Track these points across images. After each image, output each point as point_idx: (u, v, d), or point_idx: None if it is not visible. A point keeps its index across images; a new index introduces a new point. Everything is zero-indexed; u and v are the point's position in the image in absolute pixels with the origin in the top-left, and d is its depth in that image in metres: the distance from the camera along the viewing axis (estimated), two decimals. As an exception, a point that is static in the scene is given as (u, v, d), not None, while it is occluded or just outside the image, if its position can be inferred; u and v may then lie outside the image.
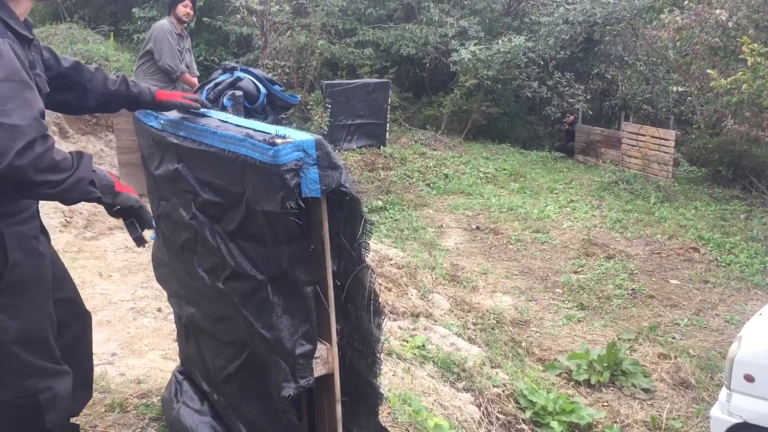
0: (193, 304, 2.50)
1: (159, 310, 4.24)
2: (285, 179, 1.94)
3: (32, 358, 2.08)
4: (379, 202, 10.06)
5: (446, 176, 12.30)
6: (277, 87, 4.43)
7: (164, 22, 6.20)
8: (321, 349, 2.13)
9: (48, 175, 1.79)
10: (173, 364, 3.33)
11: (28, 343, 2.07)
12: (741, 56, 8.81)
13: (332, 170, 1.98)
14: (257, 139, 2.01)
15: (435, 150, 13.92)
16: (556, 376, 5.55)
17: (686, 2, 11.43)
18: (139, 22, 14.11)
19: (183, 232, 2.39)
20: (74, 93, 2.36)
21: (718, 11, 10.11)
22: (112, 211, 2.13)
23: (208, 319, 2.43)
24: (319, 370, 2.11)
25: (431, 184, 11.76)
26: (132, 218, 2.16)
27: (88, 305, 2.55)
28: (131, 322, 4.09)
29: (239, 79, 4.23)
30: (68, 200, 1.93)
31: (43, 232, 2.17)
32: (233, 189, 2.14)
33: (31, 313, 2.06)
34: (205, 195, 2.25)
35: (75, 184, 1.86)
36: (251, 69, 4.42)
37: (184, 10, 6.17)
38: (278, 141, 1.96)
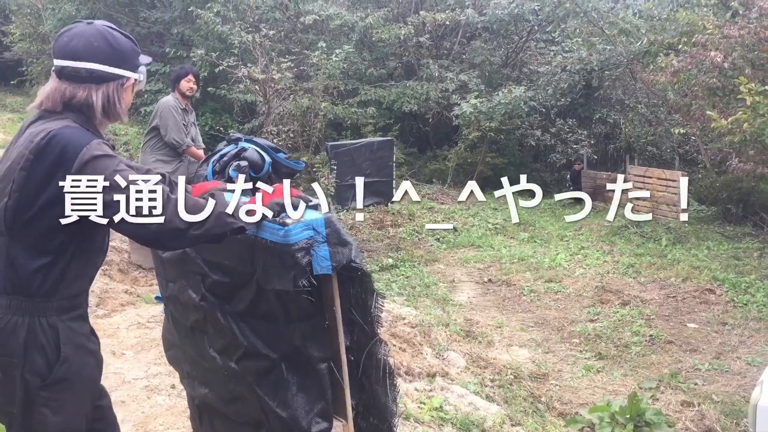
0: (205, 385, 2.49)
1: (173, 386, 4.21)
2: (296, 258, 1.96)
3: None
4: (390, 260, 10.04)
5: (455, 229, 12.30)
6: (281, 155, 4.48)
7: (169, 98, 6.34)
8: (337, 426, 2.12)
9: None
10: (189, 443, 3.29)
11: None
12: (739, 96, 8.87)
13: (342, 246, 2.00)
14: (267, 220, 2.03)
15: (443, 204, 13.95)
16: (579, 430, 5.44)
17: (681, 46, 11.58)
18: (145, 95, 14.41)
19: (192, 314, 2.40)
20: None
21: (713, 53, 10.22)
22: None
23: (221, 400, 2.41)
24: (336, 448, 2.09)
25: (441, 239, 11.75)
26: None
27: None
28: (145, 401, 4.06)
29: (244, 149, 4.29)
30: (216, 237, 1.98)
31: (93, 333, 2.20)
32: (243, 269, 2.16)
33: (73, 410, 2.07)
34: (214, 276, 2.26)
35: (217, 219, 1.94)
36: (255, 138, 4.48)
37: (187, 85, 6.32)
38: (288, 221, 1.99)
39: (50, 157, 1.91)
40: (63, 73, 2.05)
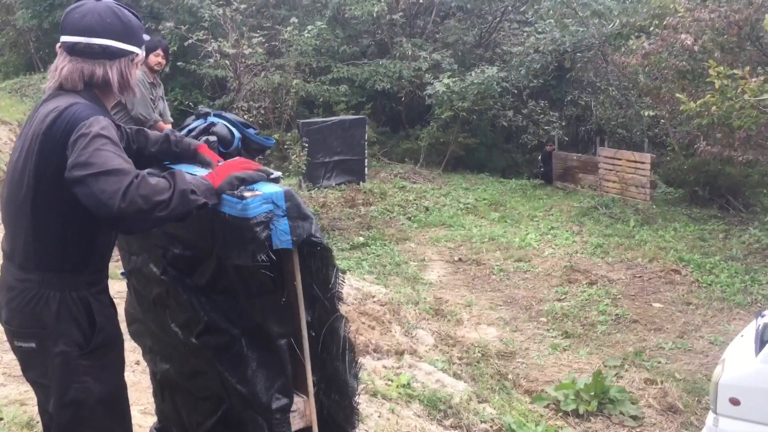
0: (167, 360, 2.46)
1: (137, 363, 4.16)
2: (255, 232, 1.93)
3: (110, 422, 2.13)
4: (361, 238, 10.04)
5: (427, 209, 12.32)
6: (251, 130, 4.42)
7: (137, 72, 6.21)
8: (298, 402, 2.10)
9: (155, 198, 1.86)
10: (152, 419, 3.26)
11: (109, 404, 2.13)
12: (708, 79, 8.95)
13: (303, 221, 1.97)
14: (226, 193, 2.00)
15: (414, 183, 13.96)
16: (544, 407, 5.51)
17: (652, 28, 11.64)
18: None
19: (155, 287, 2.36)
20: None
21: (683, 36, 10.29)
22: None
23: (183, 375, 2.39)
24: (296, 423, 2.08)
25: (412, 218, 11.77)
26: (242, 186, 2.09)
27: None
28: (110, 376, 4.01)
29: (213, 124, 4.21)
30: (181, 215, 1.94)
31: (113, 305, 2.25)
32: (202, 243, 2.12)
33: (113, 375, 2.15)
34: (175, 249, 2.23)
35: (181, 198, 1.89)
36: (224, 113, 4.41)
37: (155, 59, 6.19)
38: (247, 194, 1.96)
39: (58, 134, 1.94)
40: (75, 50, 2.05)
